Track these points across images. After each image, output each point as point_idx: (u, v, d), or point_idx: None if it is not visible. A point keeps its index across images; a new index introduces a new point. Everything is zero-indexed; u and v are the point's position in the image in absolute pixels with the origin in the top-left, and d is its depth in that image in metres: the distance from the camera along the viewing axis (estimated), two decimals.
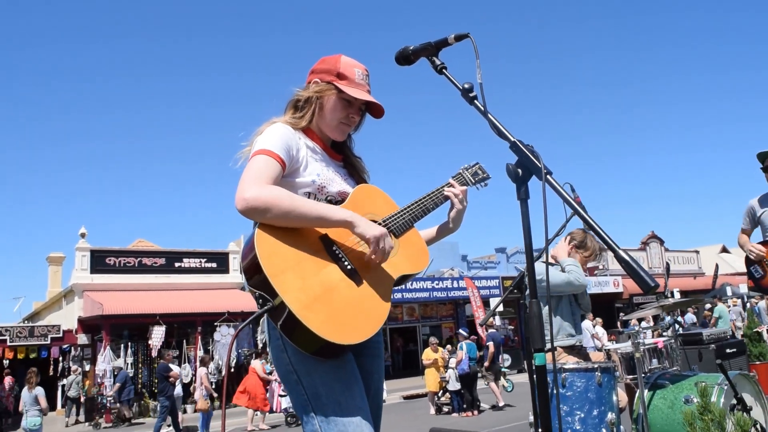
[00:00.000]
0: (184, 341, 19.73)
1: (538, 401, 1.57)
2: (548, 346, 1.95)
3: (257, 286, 1.77)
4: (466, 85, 1.81)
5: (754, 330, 7.55)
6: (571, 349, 4.13)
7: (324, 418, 1.83)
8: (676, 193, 77.64)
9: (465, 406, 13.03)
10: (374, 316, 1.88)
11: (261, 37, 69.86)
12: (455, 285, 23.37)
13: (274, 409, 14.88)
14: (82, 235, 19.66)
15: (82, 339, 19.46)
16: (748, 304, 19.99)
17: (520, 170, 1.63)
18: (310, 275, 1.82)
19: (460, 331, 14.56)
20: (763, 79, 70.48)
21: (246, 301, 19.02)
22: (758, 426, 3.92)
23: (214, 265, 21.81)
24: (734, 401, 3.92)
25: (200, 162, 56.10)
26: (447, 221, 2.33)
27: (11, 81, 49.33)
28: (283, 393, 14.24)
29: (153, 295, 19.35)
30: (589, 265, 4.93)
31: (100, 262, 19.67)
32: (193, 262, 21.33)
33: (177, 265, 20.98)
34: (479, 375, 13.68)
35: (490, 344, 13.95)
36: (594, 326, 18.48)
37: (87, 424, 17.59)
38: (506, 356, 18.04)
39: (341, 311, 1.81)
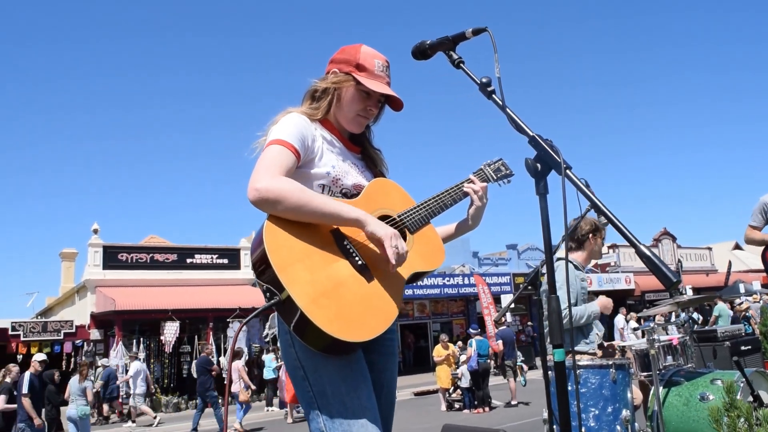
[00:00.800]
0: (196, 337, 19.85)
1: (555, 397, 1.56)
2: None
3: (265, 279, 1.73)
4: (484, 80, 1.78)
5: None
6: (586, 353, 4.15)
7: (329, 417, 1.80)
8: (689, 190, 77.15)
9: (476, 402, 13.03)
10: (384, 314, 1.83)
11: (272, 35, 70.00)
12: (466, 281, 23.34)
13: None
14: (95, 231, 19.79)
15: (95, 334, 19.60)
16: (761, 302, 19.80)
17: (539, 165, 1.61)
18: (318, 269, 1.77)
19: (470, 330, 14.57)
20: None
21: (258, 297, 19.00)
22: None
23: (225, 261, 21.89)
24: (750, 398, 3.89)
25: (212, 159, 56.40)
26: (466, 218, 2.27)
27: (24, 79, 49.74)
28: None
29: (165, 291, 19.46)
30: (602, 261, 4.92)
31: (112, 258, 19.81)
32: (204, 258, 21.41)
33: (189, 261, 21.09)
34: (494, 372, 13.69)
35: (499, 343, 14.02)
36: (627, 321, 18.34)
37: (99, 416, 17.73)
38: (518, 352, 18.05)
39: (350, 308, 1.76)
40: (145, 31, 57.78)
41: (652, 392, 4.08)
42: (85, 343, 19.52)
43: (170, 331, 18.37)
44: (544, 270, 2.29)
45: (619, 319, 18.91)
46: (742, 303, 17.74)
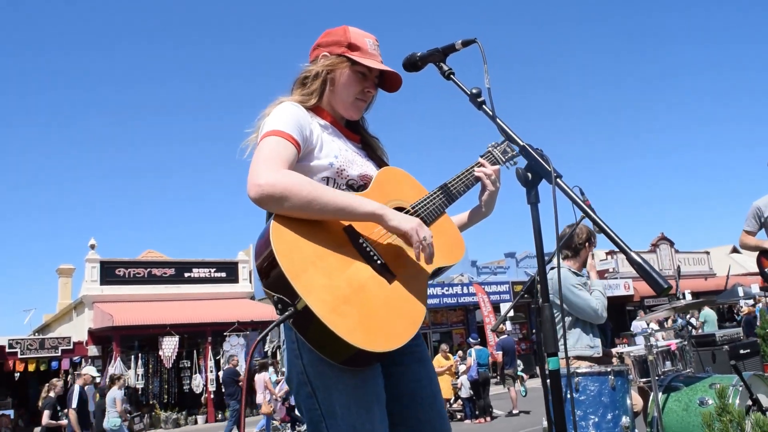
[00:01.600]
0: (195, 352, 19.77)
1: (552, 405, 1.56)
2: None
3: (275, 287, 1.54)
4: (474, 90, 1.81)
5: None
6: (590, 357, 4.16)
7: None
8: (686, 194, 77.22)
9: (477, 412, 12.98)
10: (411, 317, 1.67)
11: (270, 43, 70.31)
12: (465, 291, 23.29)
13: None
14: (92, 247, 19.75)
15: (93, 351, 19.51)
16: (760, 304, 19.80)
17: (529, 174, 1.63)
18: (336, 273, 1.60)
19: (470, 340, 14.54)
20: None
21: (256, 311, 19.08)
22: None
23: (223, 274, 21.84)
24: (749, 402, 3.89)
25: (209, 172, 56.32)
26: (479, 205, 2.11)
27: (23, 92, 49.81)
28: None
29: (163, 306, 19.40)
30: (600, 268, 4.99)
31: (109, 273, 19.77)
32: (202, 272, 21.38)
33: (186, 275, 21.05)
34: (494, 381, 13.65)
35: (499, 354, 14.00)
36: (648, 324, 18.33)
37: None
38: (518, 361, 18.03)
39: (374, 314, 1.60)
40: (145, 43, 57.99)
41: (651, 398, 4.07)
42: (83, 360, 19.41)
43: (169, 346, 18.29)
44: None
45: (636, 325, 18.83)
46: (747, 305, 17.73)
